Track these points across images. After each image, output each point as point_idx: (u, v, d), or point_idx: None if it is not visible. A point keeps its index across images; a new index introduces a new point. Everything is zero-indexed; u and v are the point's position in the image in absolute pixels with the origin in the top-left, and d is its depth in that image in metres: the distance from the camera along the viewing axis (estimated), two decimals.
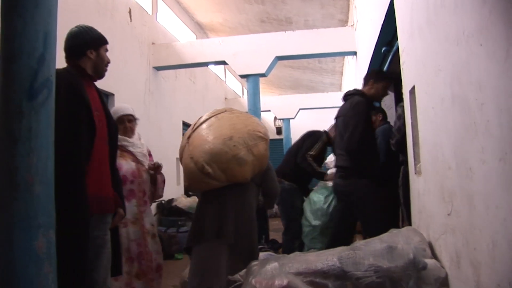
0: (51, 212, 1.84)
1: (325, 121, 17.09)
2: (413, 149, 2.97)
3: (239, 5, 9.48)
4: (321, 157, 5.13)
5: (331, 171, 5.25)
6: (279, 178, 4.25)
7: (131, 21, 7.50)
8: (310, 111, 14.00)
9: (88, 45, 2.61)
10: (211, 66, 12.03)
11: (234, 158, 2.76)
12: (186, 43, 8.96)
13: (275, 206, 5.75)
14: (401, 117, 3.45)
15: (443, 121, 2.16)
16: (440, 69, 2.17)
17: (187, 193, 9.29)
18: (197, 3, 10.01)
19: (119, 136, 3.08)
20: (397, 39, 3.44)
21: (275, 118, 15.75)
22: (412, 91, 2.88)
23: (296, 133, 9.82)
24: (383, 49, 4.85)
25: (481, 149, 1.66)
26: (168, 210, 7.90)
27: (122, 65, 7.08)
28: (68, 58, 2.60)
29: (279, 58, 8.14)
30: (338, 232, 4.12)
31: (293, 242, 4.82)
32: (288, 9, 9.38)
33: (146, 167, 3.63)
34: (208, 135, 2.84)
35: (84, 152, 2.43)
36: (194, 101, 10.86)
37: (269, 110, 13.97)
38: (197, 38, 10.98)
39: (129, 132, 3.59)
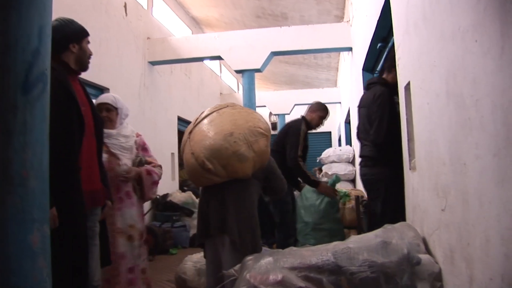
0: (46, 206, 1.83)
1: None
2: (408, 144, 2.98)
3: (235, 0, 9.45)
4: (305, 145, 4.98)
5: (325, 179, 5.22)
6: None
7: (126, 15, 7.47)
8: (306, 107, 13.94)
9: (70, 38, 2.57)
10: (206, 61, 12.00)
11: (234, 154, 2.75)
12: (181, 38, 8.93)
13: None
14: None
15: (438, 117, 2.17)
16: (435, 65, 2.17)
17: (182, 188, 9.30)
18: None
19: None
20: (392, 35, 3.44)
21: (270, 114, 15.77)
22: (407, 87, 2.89)
23: None
24: (379, 45, 4.86)
25: (476, 145, 1.66)
26: (163, 205, 7.90)
27: (117, 60, 7.06)
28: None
29: (275, 53, 8.14)
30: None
31: (287, 239, 4.81)
32: (283, 5, 9.36)
33: (127, 161, 3.48)
34: (209, 131, 2.84)
35: (77, 149, 2.44)
36: (189, 96, 10.84)
37: (265, 106, 13.96)
38: (192, 33, 10.94)
39: (107, 122, 3.35)
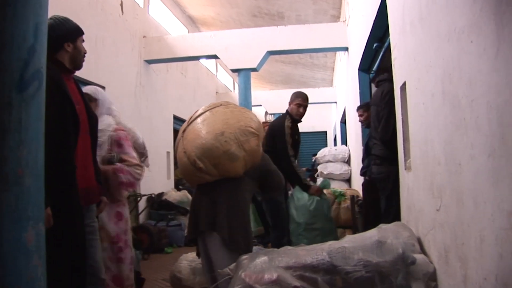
0: (41, 205, 1.83)
1: (316, 117, 17.17)
2: (403, 144, 2.99)
3: None
4: (294, 139, 4.87)
5: (319, 180, 5.13)
6: None
7: (122, 13, 7.45)
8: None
9: (64, 37, 2.55)
10: (202, 60, 11.98)
11: (225, 153, 2.77)
12: (177, 36, 8.92)
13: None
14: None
15: (434, 117, 2.18)
16: (431, 65, 2.18)
17: (177, 187, 9.29)
18: None
19: None
20: (388, 35, 3.45)
21: (266, 113, 15.77)
22: (403, 87, 2.89)
23: None
24: (375, 45, 4.86)
25: (471, 145, 1.67)
26: (158, 204, 7.89)
27: (113, 58, 7.04)
28: None
29: (271, 52, 8.14)
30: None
31: (281, 238, 4.79)
32: (280, 4, 9.36)
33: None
34: (201, 130, 2.86)
35: (72, 147, 2.45)
36: (185, 95, 10.82)
37: (260, 105, 13.96)
38: (188, 32, 10.92)
39: None
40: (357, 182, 6.77)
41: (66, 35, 2.56)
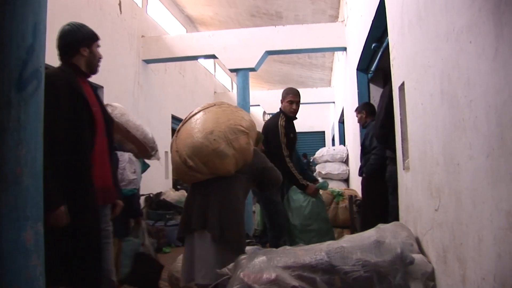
0: (40, 204, 1.83)
1: (314, 116, 17.15)
2: (402, 144, 2.99)
3: None
4: (289, 138, 4.69)
5: (319, 179, 5.09)
6: None
7: (121, 13, 7.44)
8: (300, 106, 13.96)
9: (80, 42, 2.66)
10: (200, 60, 11.97)
11: (214, 151, 2.82)
12: (176, 36, 8.91)
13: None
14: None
15: (432, 117, 2.18)
16: (429, 66, 2.18)
17: (175, 186, 9.28)
18: None
19: None
20: (387, 35, 3.45)
21: (264, 113, 15.75)
22: (402, 87, 2.90)
23: None
24: (373, 45, 4.87)
25: (469, 145, 1.67)
26: (156, 203, 7.88)
27: (111, 58, 7.02)
28: (61, 56, 2.65)
29: (269, 52, 8.13)
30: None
31: (278, 238, 4.77)
32: (278, 4, 9.36)
33: None
34: (193, 129, 2.92)
35: (88, 147, 2.52)
36: (183, 94, 10.82)
37: (258, 105, 13.96)
38: (187, 32, 10.91)
39: None
40: (355, 182, 6.76)
41: (82, 40, 2.68)
